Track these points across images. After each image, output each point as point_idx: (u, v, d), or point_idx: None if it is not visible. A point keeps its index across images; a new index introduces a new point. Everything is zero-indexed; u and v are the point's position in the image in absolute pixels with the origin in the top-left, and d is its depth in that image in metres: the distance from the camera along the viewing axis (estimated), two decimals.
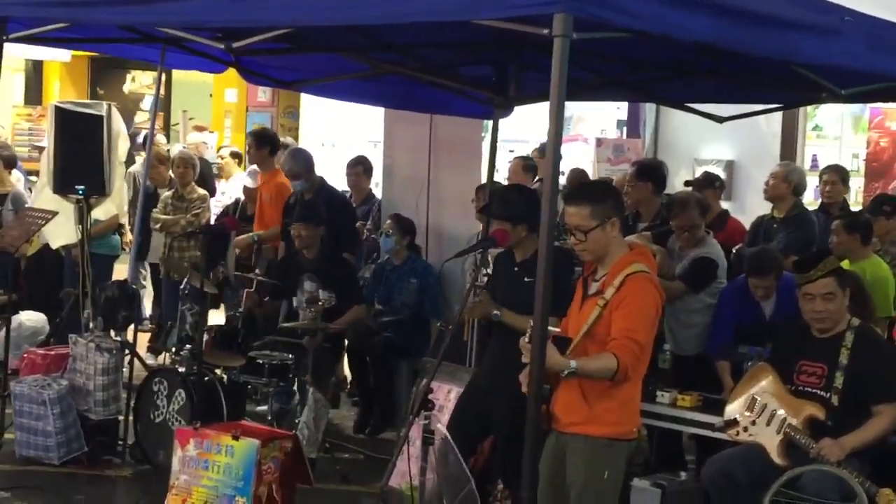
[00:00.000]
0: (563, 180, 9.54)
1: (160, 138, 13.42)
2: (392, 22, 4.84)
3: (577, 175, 10.15)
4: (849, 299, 5.74)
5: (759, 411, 5.70)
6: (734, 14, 4.42)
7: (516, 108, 7.78)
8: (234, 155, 11.10)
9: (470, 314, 5.99)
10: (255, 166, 10.95)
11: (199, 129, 15.39)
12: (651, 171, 7.83)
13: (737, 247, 8.02)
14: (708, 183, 8.72)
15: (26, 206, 9.75)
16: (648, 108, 11.70)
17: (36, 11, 5.69)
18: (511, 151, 12.46)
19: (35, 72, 17.36)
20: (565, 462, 4.79)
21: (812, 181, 9.48)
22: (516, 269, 5.95)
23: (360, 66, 7.36)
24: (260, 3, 4.76)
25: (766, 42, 4.58)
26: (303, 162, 9.08)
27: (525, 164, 10.40)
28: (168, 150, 11.98)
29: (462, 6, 4.25)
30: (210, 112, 16.07)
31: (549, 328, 4.35)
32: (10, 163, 11.15)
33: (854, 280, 6.16)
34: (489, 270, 6.17)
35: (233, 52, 5.71)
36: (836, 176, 8.81)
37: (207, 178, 11.75)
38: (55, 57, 15.75)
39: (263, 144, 9.61)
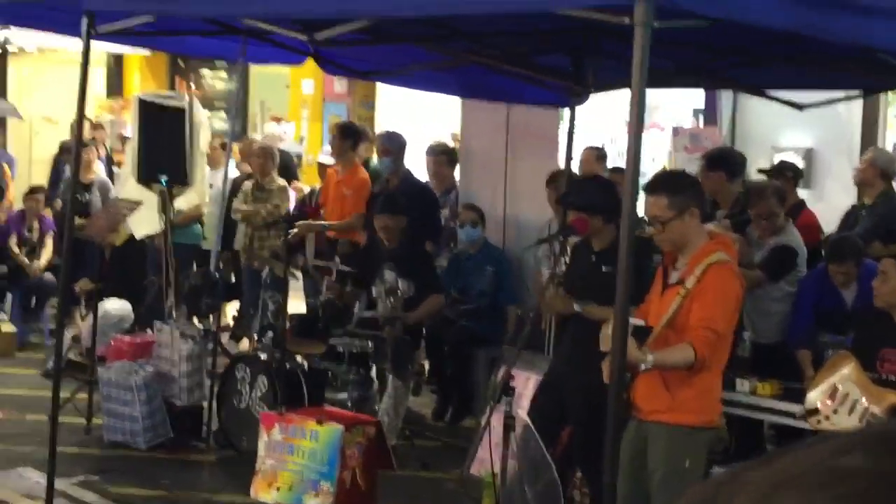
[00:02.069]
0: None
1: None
2: (474, 12, 4.88)
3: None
4: None
5: (841, 400, 5.66)
6: (815, 0, 4.40)
7: (591, 97, 7.78)
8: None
9: (548, 310, 5.98)
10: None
11: (276, 119, 15.54)
12: (720, 160, 7.78)
13: (828, 234, 7.94)
14: (779, 172, 8.58)
15: (111, 196, 9.96)
16: (725, 96, 11.58)
17: (123, 5, 5.80)
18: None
19: (116, 65, 17.66)
20: (646, 450, 4.80)
21: None
22: (594, 258, 5.96)
23: (437, 56, 7.41)
24: None
25: (846, 27, 4.55)
26: (397, 143, 9.30)
27: (598, 154, 10.39)
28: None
29: None
30: (287, 103, 16.21)
31: (630, 320, 4.36)
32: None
33: None
34: (566, 259, 6.19)
35: (314, 44, 5.78)
36: None
37: (288, 168, 11.89)
38: (136, 50, 15.99)
39: (346, 137, 9.69)
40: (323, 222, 9.64)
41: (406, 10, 4.80)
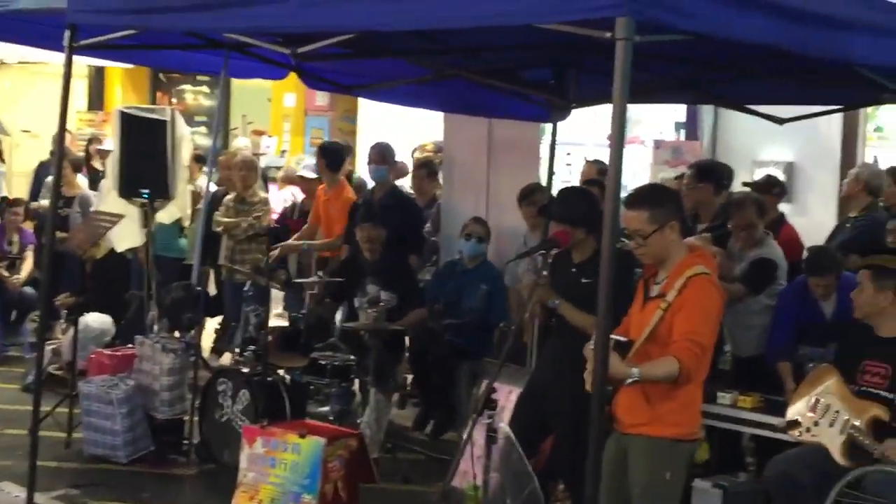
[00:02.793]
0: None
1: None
2: (457, 26, 4.89)
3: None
4: None
5: (823, 412, 5.70)
6: (795, 15, 4.42)
7: (573, 111, 7.81)
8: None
9: (529, 297, 5.98)
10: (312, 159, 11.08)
11: (258, 133, 15.54)
12: (711, 172, 7.83)
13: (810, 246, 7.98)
14: (766, 188, 8.61)
15: (92, 209, 9.93)
16: (706, 110, 11.65)
17: (106, 19, 5.80)
18: (568, 154, 12.47)
19: (97, 78, 17.62)
20: (627, 462, 4.82)
21: None
22: (574, 270, 5.99)
23: (420, 71, 7.43)
24: (328, 9, 4.83)
25: (827, 43, 4.58)
26: (388, 152, 9.34)
27: (599, 169, 10.31)
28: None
29: (527, 10, 4.30)
30: (269, 116, 16.21)
31: (610, 335, 4.36)
32: (76, 166, 11.37)
33: None
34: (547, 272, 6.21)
35: (298, 58, 5.78)
36: (891, 178, 8.70)
37: (264, 181, 11.91)
38: (117, 63, 15.96)
39: (320, 157, 9.76)
40: (304, 241, 9.65)
41: (389, 24, 4.80)
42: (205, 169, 10.35)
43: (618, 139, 4.11)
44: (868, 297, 5.78)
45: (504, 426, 5.32)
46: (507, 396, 6.73)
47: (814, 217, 8.91)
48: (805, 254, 7.65)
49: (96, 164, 13.13)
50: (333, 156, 9.79)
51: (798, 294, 6.87)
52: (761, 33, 4.32)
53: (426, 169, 10.09)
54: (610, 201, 4.14)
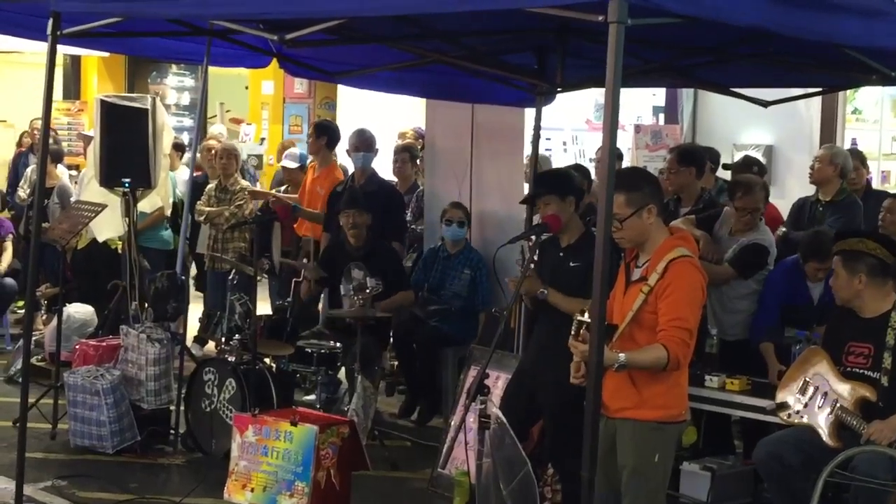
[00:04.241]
0: None
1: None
2: (448, 10, 4.86)
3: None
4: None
5: (812, 393, 5.74)
6: None
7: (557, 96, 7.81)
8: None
9: (518, 288, 6.00)
10: (294, 149, 11.02)
11: (236, 121, 15.49)
12: (693, 156, 7.84)
13: (780, 230, 8.01)
14: (745, 168, 8.62)
15: (73, 199, 9.87)
16: (686, 94, 11.68)
17: (89, 6, 5.74)
18: (548, 139, 12.48)
19: (73, 67, 17.49)
20: (615, 446, 4.83)
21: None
22: (562, 254, 6.01)
23: (402, 56, 7.40)
24: None
25: (814, 25, 4.59)
26: (368, 138, 9.25)
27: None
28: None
29: None
30: (247, 104, 16.15)
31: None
32: (57, 157, 11.28)
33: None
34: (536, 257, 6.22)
35: (285, 45, 5.75)
36: (856, 161, 8.71)
37: (244, 170, 11.86)
38: (93, 52, 15.86)
39: (321, 134, 9.67)
40: (296, 204, 9.58)
41: (378, 9, 4.79)
42: (186, 156, 10.31)
43: (611, 124, 4.10)
44: (843, 283, 5.82)
45: (496, 410, 5.33)
46: (494, 382, 6.74)
47: (793, 199, 8.91)
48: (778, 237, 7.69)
49: None
50: (332, 133, 9.77)
51: (787, 276, 6.89)
52: (752, 16, 4.33)
53: (408, 153, 10.10)
54: (605, 186, 4.14)
